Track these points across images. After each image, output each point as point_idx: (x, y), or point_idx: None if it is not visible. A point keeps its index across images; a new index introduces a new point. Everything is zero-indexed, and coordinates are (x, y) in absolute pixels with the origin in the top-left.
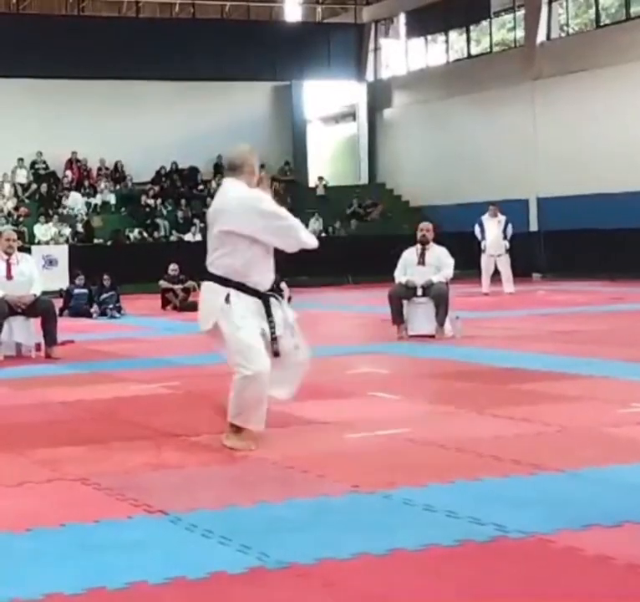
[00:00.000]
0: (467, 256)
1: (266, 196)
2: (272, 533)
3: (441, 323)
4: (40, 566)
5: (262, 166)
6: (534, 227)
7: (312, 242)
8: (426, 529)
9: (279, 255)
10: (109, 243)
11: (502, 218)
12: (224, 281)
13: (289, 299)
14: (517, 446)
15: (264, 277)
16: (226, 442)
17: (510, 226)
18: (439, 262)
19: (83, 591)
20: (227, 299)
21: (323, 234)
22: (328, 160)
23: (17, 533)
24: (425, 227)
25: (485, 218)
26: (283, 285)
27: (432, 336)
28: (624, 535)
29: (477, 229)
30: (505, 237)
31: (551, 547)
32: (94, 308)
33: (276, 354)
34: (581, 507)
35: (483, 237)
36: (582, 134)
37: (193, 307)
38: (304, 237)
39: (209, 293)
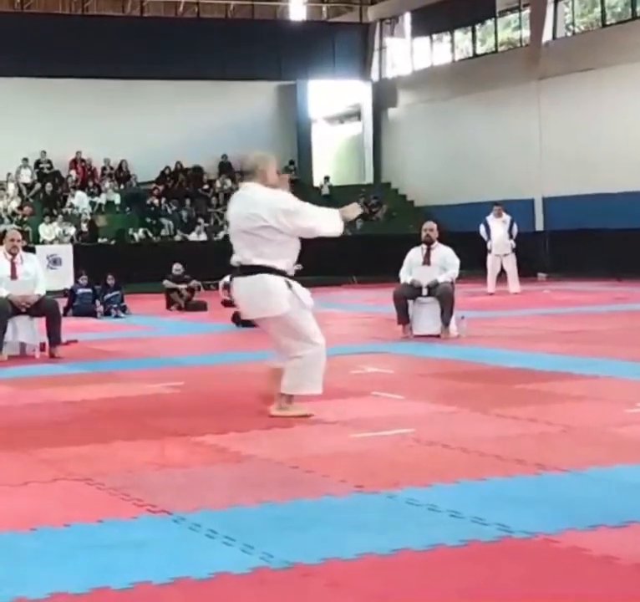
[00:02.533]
0: (472, 256)
1: (289, 195)
2: (277, 532)
3: (446, 323)
4: (44, 566)
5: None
6: (539, 226)
7: (334, 231)
8: (430, 529)
9: None
10: (113, 243)
11: (507, 218)
12: (271, 270)
13: None
14: (522, 445)
15: (291, 264)
16: (279, 412)
17: (515, 225)
18: (445, 262)
19: (87, 591)
20: (289, 286)
21: None
22: (333, 159)
23: (21, 532)
24: (429, 227)
25: (490, 218)
26: None
27: (437, 336)
28: (630, 535)
29: (482, 229)
30: (510, 237)
31: (556, 547)
32: (99, 308)
33: None
34: (586, 508)
35: (489, 238)
36: (588, 133)
37: (197, 307)
38: (325, 229)
39: (268, 281)
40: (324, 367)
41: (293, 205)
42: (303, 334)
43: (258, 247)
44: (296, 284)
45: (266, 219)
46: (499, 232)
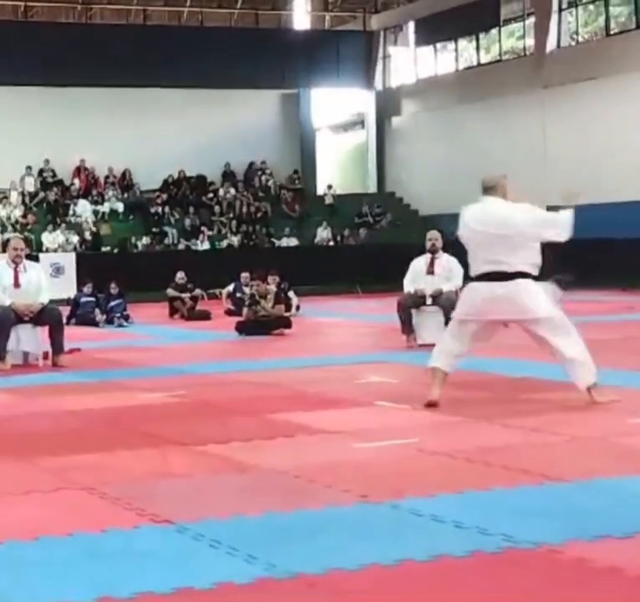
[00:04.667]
0: None
1: (530, 206)
2: (280, 542)
3: None
4: (47, 575)
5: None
6: None
7: (565, 237)
8: (434, 540)
9: (285, 265)
10: (116, 251)
11: None
12: (528, 274)
13: (297, 308)
14: (527, 455)
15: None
16: (601, 399)
17: None
18: (449, 272)
19: (89, 600)
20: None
21: (332, 243)
22: (337, 168)
23: (24, 541)
24: (433, 236)
25: None
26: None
27: None
28: (635, 546)
29: None
30: None
31: (560, 558)
32: (99, 317)
33: None
34: (591, 518)
35: None
36: (593, 142)
37: (201, 315)
38: (553, 235)
39: (532, 285)
40: None
41: (540, 215)
42: (572, 329)
43: (509, 253)
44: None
45: (519, 229)
46: None
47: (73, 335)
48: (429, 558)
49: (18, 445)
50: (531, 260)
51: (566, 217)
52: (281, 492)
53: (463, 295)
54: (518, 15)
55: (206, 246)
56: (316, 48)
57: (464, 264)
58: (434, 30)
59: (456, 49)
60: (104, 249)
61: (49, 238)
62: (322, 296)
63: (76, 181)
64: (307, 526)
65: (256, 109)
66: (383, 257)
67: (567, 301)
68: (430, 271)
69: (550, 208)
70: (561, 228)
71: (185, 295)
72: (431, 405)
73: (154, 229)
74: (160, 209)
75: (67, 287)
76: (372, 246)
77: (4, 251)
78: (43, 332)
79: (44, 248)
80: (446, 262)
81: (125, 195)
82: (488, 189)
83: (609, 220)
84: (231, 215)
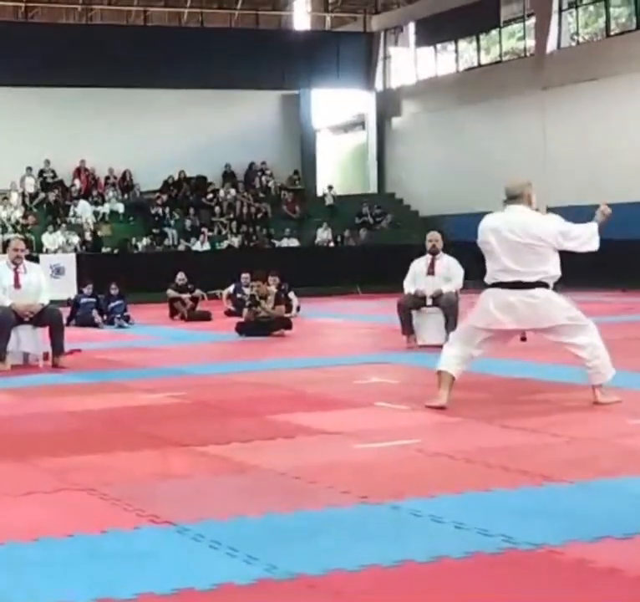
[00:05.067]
0: (476, 266)
1: (559, 217)
2: (280, 543)
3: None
4: (47, 576)
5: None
6: None
7: (593, 248)
8: (435, 541)
9: (285, 266)
10: (116, 252)
11: None
12: (546, 284)
13: (298, 309)
14: (527, 456)
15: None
16: (604, 400)
17: None
18: (449, 273)
19: (90, 601)
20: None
21: (332, 244)
22: (337, 169)
23: (24, 542)
24: (434, 237)
25: None
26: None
27: (441, 346)
28: (635, 547)
29: None
30: None
31: (560, 559)
32: (97, 318)
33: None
34: (591, 519)
35: None
36: (593, 143)
37: (201, 316)
38: (587, 247)
39: (551, 294)
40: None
41: (567, 227)
42: (589, 328)
43: (533, 263)
44: None
45: (546, 239)
46: None
47: (74, 336)
48: (429, 559)
49: (18, 445)
50: (553, 272)
51: (595, 230)
52: (281, 493)
53: (481, 303)
54: (518, 16)
55: (207, 247)
56: (316, 49)
57: (464, 265)
58: (434, 31)
59: (456, 50)
60: (104, 250)
61: (49, 239)
62: (322, 297)
63: (76, 181)
64: (307, 527)
65: (256, 110)
66: (384, 258)
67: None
68: (430, 272)
69: (550, 209)
70: (587, 240)
71: (186, 296)
72: (439, 408)
73: (154, 230)
74: (160, 210)
75: (67, 288)
76: (372, 247)
77: (4, 252)
78: (44, 333)
79: (44, 249)
80: (446, 263)
81: (125, 196)
82: (514, 198)
83: (610, 221)
84: (232, 216)
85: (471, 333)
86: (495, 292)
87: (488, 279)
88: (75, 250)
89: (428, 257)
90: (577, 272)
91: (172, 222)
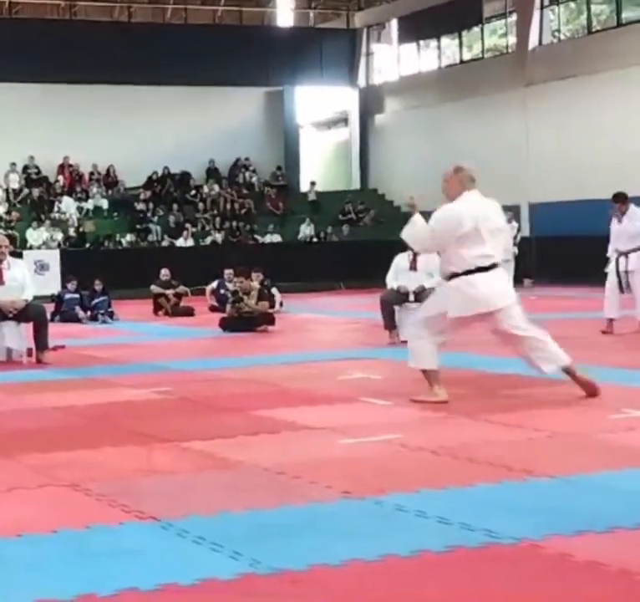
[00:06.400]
0: None
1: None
2: (264, 539)
3: None
4: (31, 572)
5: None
6: (525, 232)
7: None
8: (418, 535)
9: (268, 262)
10: (101, 248)
11: (515, 225)
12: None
13: (281, 304)
14: (510, 452)
15: None
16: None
17: (519, 233)
18: (431, 268)
19: (74, 597)
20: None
21: (315, 239)
22: (320, 165)
23: (8, 538)
24: None
25: None
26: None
27: None
28: (616, 541)
29: None
30: (514, 244)
31: (542, 553)
32: (81, 314)
33: None
34: (572, 513)
35: None
36: (575, 139)
37: (185, 312)
38: None
39: (499, 276)
40: None
41: None
42: (522, 319)
43: (496, 245)
44: None
45: (503, 223)
46: None
47: (58, 332)
48: (413, 554)
49: (2, 441)
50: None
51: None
52: (266, 489)
53: (464, 290)
54: (500, 13)
55: (190, 242)
56: (299, 46)
57: None
58: (417, 28)
59: (439, 47)
60: (88, 246)
61: (34, 235)
62: (305, 293)
63: (60, 177)
64: (291, 522)
65: (240, 107)
66: (366, 254)
67: (545, 297)
68: (413, 267)
69: (532, 205)
70: None
71: (169, 292)
72: (443, 402)
73: (138, 226)
74: (144, 206)
75: (51, 284)
76: (355, 242)
77: None
78: (28, 329)
79: (28, 245)
80: (428, 258)
81: (109, 192)
82: (473, 181)
83: (592, 217)
84: (215, 212)
85: (436, 322)
86: (475, 279)
87: (459, 267)
88: (59, 246)
89: (410, 252)
90: (558, 268)
91: (156, 218)
